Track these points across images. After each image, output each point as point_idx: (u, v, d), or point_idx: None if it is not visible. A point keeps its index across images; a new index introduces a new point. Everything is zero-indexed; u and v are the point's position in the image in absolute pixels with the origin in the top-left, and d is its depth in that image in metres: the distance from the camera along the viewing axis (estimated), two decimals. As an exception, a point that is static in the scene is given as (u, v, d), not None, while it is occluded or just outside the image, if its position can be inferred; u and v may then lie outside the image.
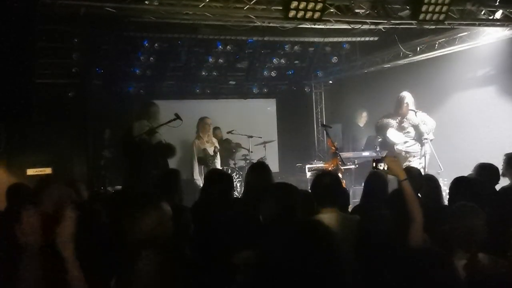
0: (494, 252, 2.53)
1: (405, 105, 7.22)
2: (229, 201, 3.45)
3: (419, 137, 7.15)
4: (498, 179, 4.26)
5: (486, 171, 4.17)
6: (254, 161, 7.94)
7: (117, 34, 7.79)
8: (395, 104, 7.43)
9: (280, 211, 2.66)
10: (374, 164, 3.11)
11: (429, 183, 4.12)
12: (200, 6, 5.00)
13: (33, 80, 7.11)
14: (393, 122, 7.43)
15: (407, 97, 7.26)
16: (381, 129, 7.64)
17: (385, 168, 3.01)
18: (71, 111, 8.15)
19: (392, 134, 7.37)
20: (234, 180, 7.79)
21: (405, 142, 7.33)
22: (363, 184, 4.23)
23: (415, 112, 7.09)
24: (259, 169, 3.91)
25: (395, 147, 7.36)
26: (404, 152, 7.29)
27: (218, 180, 3.54)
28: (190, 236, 2.81)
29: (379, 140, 7.65)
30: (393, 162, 3.01)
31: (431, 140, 6.90)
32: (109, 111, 8.17)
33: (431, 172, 6.37)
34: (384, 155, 6.87)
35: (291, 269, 1.61)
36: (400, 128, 7.37)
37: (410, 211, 2.77)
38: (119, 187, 7.18)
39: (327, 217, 2.94)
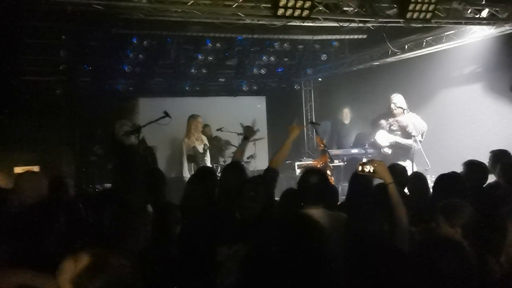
0: (480, 247, 2.56)
1: (393, 106, 7.30)
2: (212, 198, 3.45)
3: (408, 137, 7.23)
4: (487, 176, 4.31)
5: (476, 168, 4.21)
6: (244, 158, 7.93)
7: (105, 31, 7.73)
8: (387, 105, 7.53)
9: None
10: (360, 168, 3.09)
11: (418, 181, 4.18)
12: (189, 3, 4.98)
13: (20, 77, 7.07)
14: (384, 123, 7.52)
15: (395, 98, 7.32)
16: (375, 128, 7.75)
17: (371, 171, 3.01)
18: (59, 109, 8.10)
19: (379, 137, 7.47)
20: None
21: (395, 143, 7.41)
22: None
23: (404, 110, 7.14)
24: (233, 170, 3.87)
25: (381, 150, 7.47)
26: (391, 154, 7.37)
27: (201, 178, 3.53)
28: (177, 234, 2.81)
29: (372, 140, 7.74)
30: (379, 166, 3.00)
31: (420, 142, 6.97)
32: (98, 109, 8.12)
33: (419, 169, 6.45)
34: (369, 158, 6.94)
35: (277, 262, 1.62)
36: (390, 130, 7.45)
37: (395, 214, 2.79)
38: (108, 185, 7.15)
39: (312, 213, 2.95)
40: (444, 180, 3.74)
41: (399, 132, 7.37)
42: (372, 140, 7.70)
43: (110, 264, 1.43)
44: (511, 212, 2.33)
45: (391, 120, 7.44)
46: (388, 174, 2.95)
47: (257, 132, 4.64)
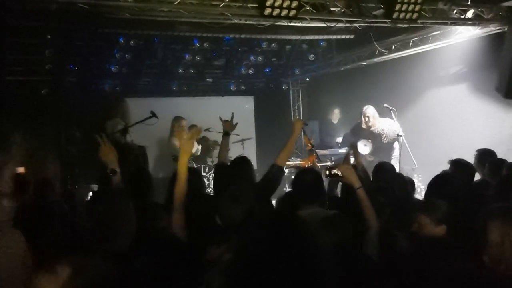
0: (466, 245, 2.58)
1: (366, 119, 7.45)
2: (196, 198, 3.43)
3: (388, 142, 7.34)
4: (474, 175, 4.34)
5: (462, 168, 4.24)
6: (232, 158, 7.92)
7: (92, 31, 7.65)
8: (360, 116, 7.65)
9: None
10: (327, 172, 3.07)
11: (399, 180, 4.21)
12: (176, 3, 4.95)
13: (4, 77, 6.96)
14: (360, 133, 7.65)
15: (367, 111, 7.44)
16: (353, 136, 7.86)
17: (339, 175, 2.99)
18: (44, 109, 7.99)
19: (360, 147, 7.55)
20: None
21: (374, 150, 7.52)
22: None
23: (390, 110, 7.19)
24: (241, 164, 3.93)
25: (364, 159, 7.57)
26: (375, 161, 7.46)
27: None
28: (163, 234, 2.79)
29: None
30: (347, 170, 2.96)
31: (401, 139, 7.08)
32: (84, 109, 8.03)
33: (406, 168, 6.51)
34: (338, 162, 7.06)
35: (264, 263, 1.60)
36: (367, 138, 7.54)
37: (365, 218, 2.78)
38: (95, 185, 7.07)
39: (308, 213, 2.95)
40: (440, 181, 3.73)
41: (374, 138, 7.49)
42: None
43: (91, 266, 1.41)
44: (491, 211, 2.34)
45: (367, 132, 7.57)
46: (356, 178, 2.90)
47: (236, 125, 4.59)
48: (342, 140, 8.61)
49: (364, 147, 7.53)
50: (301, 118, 10.58)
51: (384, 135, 7.35)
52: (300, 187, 3.22)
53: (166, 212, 2.84)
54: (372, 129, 7.46)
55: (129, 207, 2.24)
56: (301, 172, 3.36)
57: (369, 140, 7.49)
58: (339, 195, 4.01)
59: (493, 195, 3.59)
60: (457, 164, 4.27)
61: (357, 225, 2.77)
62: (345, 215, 3.06)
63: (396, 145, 7.28)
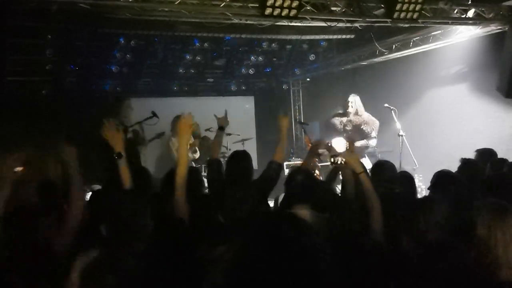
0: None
1: (349, 104, 7.51)
2: (196, 198, 3.43)
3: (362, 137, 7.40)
4: (483, 175, 4.32)
5: (470, 167, 4.22)
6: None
7: (92, 31, 7.65)
8: (343, 105, 7.74)
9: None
10: (332, 160, 3.12)
11: (402, 179, 4.18)
12: (176, 3, 4.95)
13: (4, 77, 6.96)
14: (338, 123, 7.65)
15: (352, 98, 7.53)
16: (328, 129, 7.88)
17: (343, 162, 3.02)
18: (44, 109, 7.99)
19: (335, 142, 7.55)
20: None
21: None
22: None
23: (391, 109, 7.19)
24: (239, 157, 3.93)
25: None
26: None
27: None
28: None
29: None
30: (350, 156, 3.03)
31: (375, 138, 7.14)
32: (84, 109, 8.03)
33: (407, 168, 6.49)
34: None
35: (265, 263, 1.59)
36: (344, 130, 7.56)
37: (368, 201, 2.80)
38: (98, 186, 7.07)
39: (298, 214, 2.94)
40: (442, 179, 3.71)
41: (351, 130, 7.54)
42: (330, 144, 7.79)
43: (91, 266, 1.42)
44: (482, 206, 2.34)
45: (345, 120, 7.57)
46: (359, 164, 2.96)
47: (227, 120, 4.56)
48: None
49: (340, 145, 7.55)
50: (302, 118, 10.58)
51: (364, 123, 7.41)
52: (289, 188, 3.22)
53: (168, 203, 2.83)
54: (351, 118, 7.51)
55: (143, 207, 2.23)
56: (291, 172, 3.37)
57: (345, 127, 7.51)
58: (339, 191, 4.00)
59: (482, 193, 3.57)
60: (467, 163, 4.25)
61: (354, 223, 2.76)
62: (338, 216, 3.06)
63: (373, 134, 7.37)
